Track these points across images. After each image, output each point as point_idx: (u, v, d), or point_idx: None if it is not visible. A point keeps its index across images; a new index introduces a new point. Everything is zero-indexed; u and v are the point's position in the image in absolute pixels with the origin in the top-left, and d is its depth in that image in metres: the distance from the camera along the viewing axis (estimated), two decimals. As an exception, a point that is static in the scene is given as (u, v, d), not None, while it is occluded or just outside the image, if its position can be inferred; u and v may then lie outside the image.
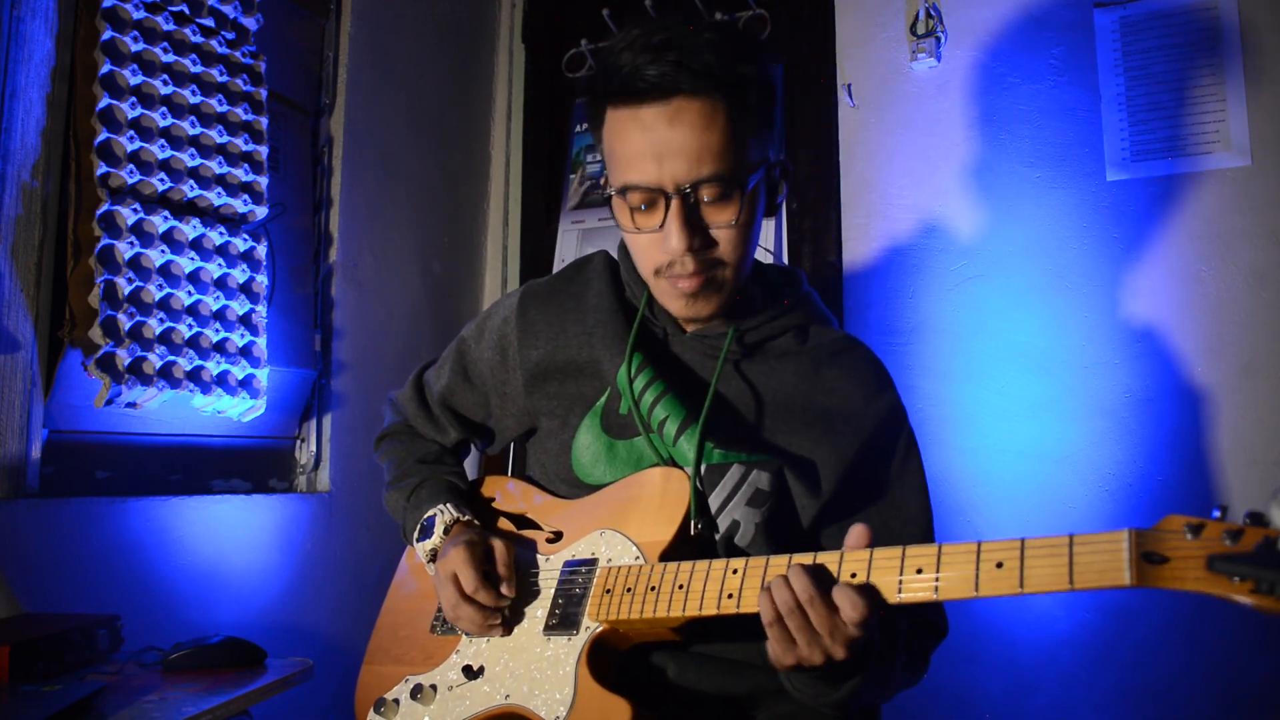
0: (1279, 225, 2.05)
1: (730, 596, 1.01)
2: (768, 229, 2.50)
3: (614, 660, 1.12)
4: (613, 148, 1.14)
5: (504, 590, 1.16)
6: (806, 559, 0.98)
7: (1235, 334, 2.06)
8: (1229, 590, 0.73)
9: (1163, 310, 2.13)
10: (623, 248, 1.32)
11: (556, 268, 2.61)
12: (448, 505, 1.27)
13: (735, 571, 1.02)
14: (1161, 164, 2.15)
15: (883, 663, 1.05)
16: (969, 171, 2.34)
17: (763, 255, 1.38)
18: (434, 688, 1.19)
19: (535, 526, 1.27)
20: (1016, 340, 2.24)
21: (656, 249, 1.14)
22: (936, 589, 0.89)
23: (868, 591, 0.92)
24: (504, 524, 1.31)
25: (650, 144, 1.09)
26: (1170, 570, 0.77)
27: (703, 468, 1.17)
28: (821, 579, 0.94)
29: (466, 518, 1.27)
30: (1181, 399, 2.09)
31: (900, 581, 0.92)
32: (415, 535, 1.28)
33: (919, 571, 0.91)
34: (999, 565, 0.86)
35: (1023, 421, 2.21)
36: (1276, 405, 2.01)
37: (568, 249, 2.69)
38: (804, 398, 1.22)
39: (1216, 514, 0.77)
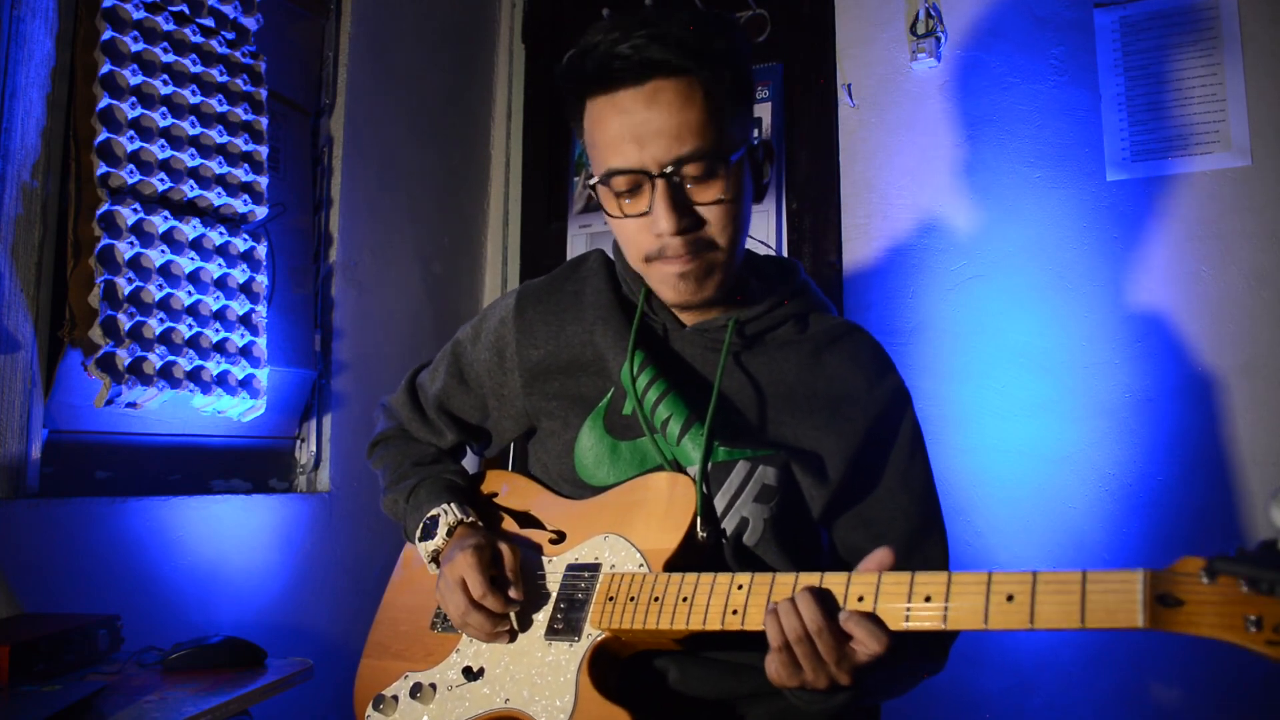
0: (1279, 225, 2.05)
1: (735, 613, 0.99)
2: (767, 228, 2.50)
3: (615, 667, 1.11)
4: (594, 137, 1.14)
5: (512, 594, 1.14)
6: (814, 579, 0.97)
7: (1235, 334, 2.06)
8: (1245, 640, 0.72)
9: (1163, 310, 2.13)
10: (617, 245, 1.31)
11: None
12: (450, 505, 1.26)
13: (740, 587, 1.00)
14: (1161, 164, 2.15)
15: (882, 668, 1.05)
16: (969, 171, 2.34)
17: (759, 248, 1.38)
18: (433, 687, 1.19)
19: (537, 525, 1.27)
20: (1016, 340, 2.24)
21: (645, 234, 1.13)
22: (945, 618, 0.88)
23: (880, 622, 0.91)
24: (506, 522, 1.30)
25: (629, 127, 1.08)
26: (1185, 614, 0.75)
27: (708, 467, 1.16)
28: (829, 606, 0.93)
29: (470, 519, 1.26)
30: (1181, 399, 2.09)
31: (908, 609, 0.90)
32: (417, 535, 1.27)
33: (927, 599, 0.89)
34: (1009, 598, 0.85)
35: (1023, 421, 2.21)
36: (1276, 405, 2.01)
37: (577, 253, 2.68)
38: (807, 386, 1.21)
39: (1235, 553, 0.76)
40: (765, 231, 2.49)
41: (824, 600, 0.93)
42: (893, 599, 0.91)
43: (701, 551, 1.12)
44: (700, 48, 1.08)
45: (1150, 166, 2.16)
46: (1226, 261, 2.08)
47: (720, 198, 1.11)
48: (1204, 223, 2.11)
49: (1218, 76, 2.11)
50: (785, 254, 2.50)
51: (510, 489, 1.35)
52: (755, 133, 2.52)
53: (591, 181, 1.16)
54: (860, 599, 0.93)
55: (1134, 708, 2.05)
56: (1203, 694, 2.00)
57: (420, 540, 1.26)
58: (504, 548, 1.17)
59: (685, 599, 1.03)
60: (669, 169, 1.09)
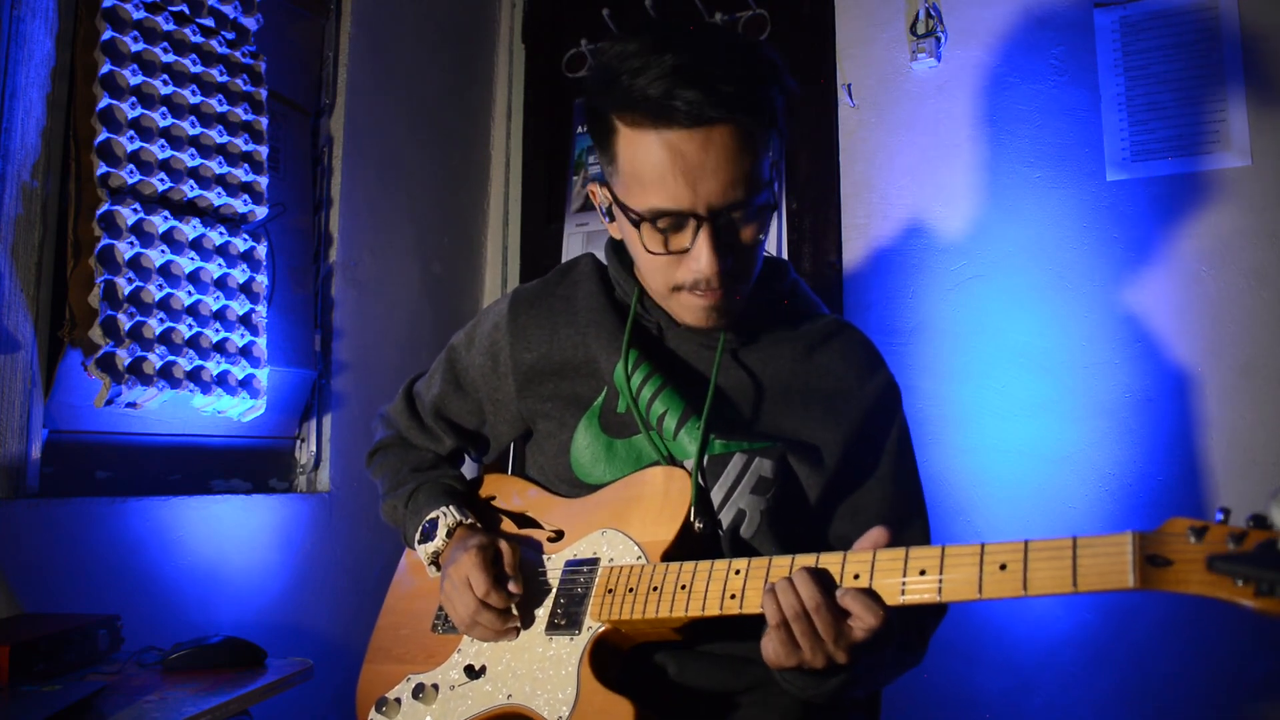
0: (1279, 225, 2.05)
1: (733, 597, 1.01)
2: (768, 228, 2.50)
3: (616, 660, 1.12)
4: (634, 167, 1.10)
5: (513, 589, 1.15)
6: (810, 560, 0.98)
7: (1235, 334, 2.06)
8: (1232, 594, 0.73)
9: (1163, 310, 2.13)
10: (609, 248, 1.32)
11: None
12: (449, 508, 1.27)
13: (738, 572, 1.02)
14: (1161, 164, 2.15)
15: (873, 652, 1.06)
16: (969, 171, 2.34)
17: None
18: (435, 687, 1.19)
19: (536, 526, 1.27)
20: (1016, 340, 2.24)
21: (677, 268, 1.14)
22: (940, 590, 0.89)
23: (876, 597, 0.93)
24: (505, 524, 1.31)
25: (682, 168, 1.07)
26: (1174, 573, 0.77)
27: (705, 460, 1.17)
28: (826, 584, 0.95)
29: (469, 520, 1.27)
30: (1181, 399, 2.09)
31: (903, 583, 0.92)
32: (416, 538, 1.28)
33: (922, 573, 0.91)
34: (1002, 567, 0.86)
35: (1023, 421, 2.21)
36: (1276, 405, 2.01)
37: (573, 252, 2.69)
38: (800, 381, 1.23)
39: (1220, 517, 0.77)
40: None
41: (821, 578, 0.95)
42: (888, 574, 0.93)
43: (698, 543, 1.14)
44: (754, 100, 1.07)
45: (1150, 166, 2.16)
46: (1226, 261, 2.08)
47: (757, 239, 1.14)
48: (1204, 223, 2.11)
49: (1218, 76, 2.11)
50: (785, 254, 2.50)
51: (508, 491, 1.35)
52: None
53: (633, 216, 1.12)
54: (856, 576, 0.95)
55: (1134, 708, 2.05)
56: (1203, 694, 2.00)
57: (420, 543, 1.27)
58: (504, 546, 1.19)
59: (684, 587, 1.04)
60: (718, 213, 1.09)
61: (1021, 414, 2.22)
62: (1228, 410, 2.05)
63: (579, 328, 1.28)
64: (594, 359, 1.26)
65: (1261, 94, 2.07)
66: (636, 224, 1.13)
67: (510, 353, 1.31)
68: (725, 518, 1.17)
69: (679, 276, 1.15)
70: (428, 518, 1.27)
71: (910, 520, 1.24)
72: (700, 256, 1.11)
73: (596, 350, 1.26)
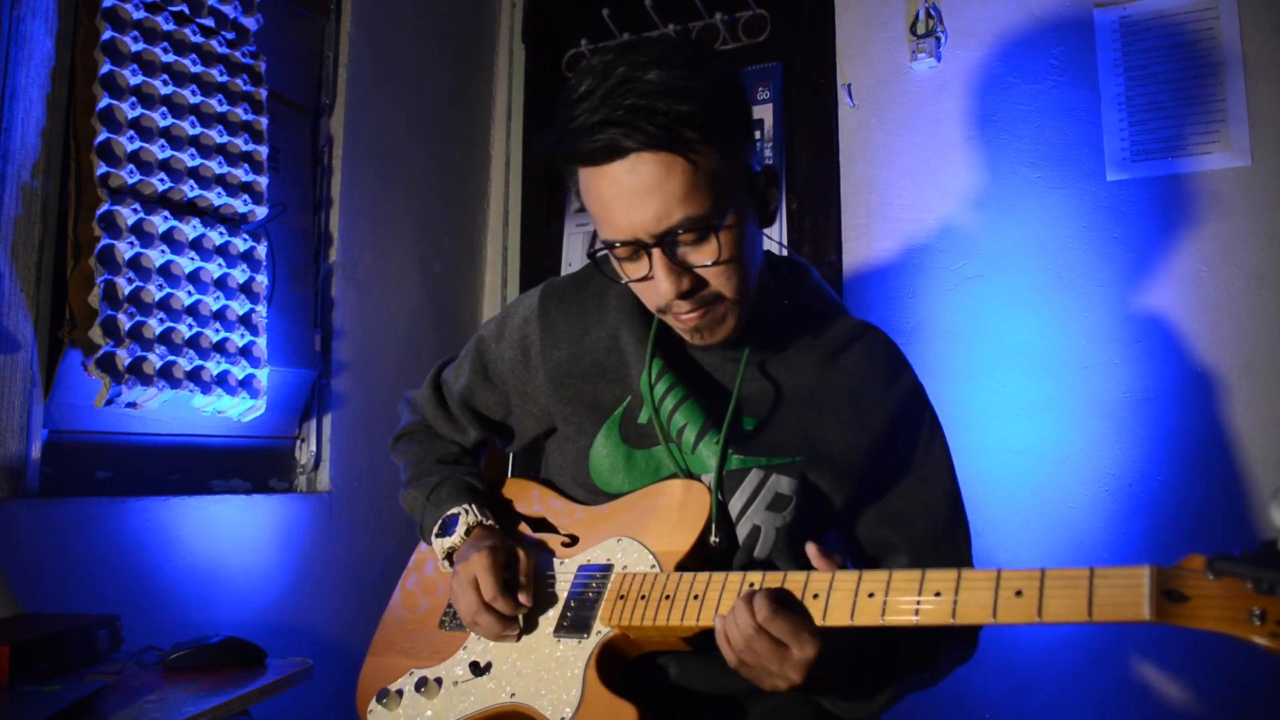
0: (1279, 225, 2.05)
1: None
2: (769, 228, 2.50)
3: (622, 666, 1.12)
4: (589, 205, 1.13)
5: (522, 599, 1.16)
6: (825, 579, 0.98)
7: (1235, 334, 2.06)
8: (1248, 632, 0.74)
9: (1162, 310, 2.13)
10: None
11: (563, 272, 2.60)
12: (471, 506, 1.28)
13: (752, 585, 1.01)
14: (1161, 164, 2.15)
15: (916, 659, 1.07)
16: (969, 171, 2.34)
17: (774, 248, 1.38)
18: (439, 681, 1.19)
19: (553, 530, 1.28)
20: (1016, 340, 2.24)
21: (652, 293, 1.14)
22: (954, 612, 0.89)
23: (807, 626, 0.94)
24: (523, 527, 1.32)
25: (618, 199, 1.07)
26: (1190, 609, 0.77)
27: (723, 474, 1.17)
28: (769, 607, 0.95)
29: (488, 521, 1.28)
30: (1181, 399, 2.09)
31: (918, 603, 0.91)
32: (434, 532, 1.28)
33: (937, 595, 0.90)
34: (1018, 594, 0.86)
35: (1023, 421, 2.21)
36: (1276, 405, 2.01)
37: (574, 252, 2.68)
38: (825, 388, 1.22)
39: (1238, 553, 0.77)
40: (768, 231, 2.49)
41: (758, 608, 0.95)
42: (903, 594, 0.93)
43: (714, 557, 1.13)
44: (671, 121, 1.03)
45: (1150, 166, 2.16)
46: (1226, 261, 2.08)
47: (715, 259, 1.09)
48: (1204, 223, 2.11)
49: (1218, 76, 2.11)
50: (785, 254, 2.50)
51: (528, 496, 1.36)
52: (761, 138, 2.53)
53: (599, 247, 1.14)
54: (871, 595, 0.94)
55: (1134, 708, 2.05)
56: (1203, 695, 2.00)
57: (437, 537, 1.28)
58: (520, 552, 1.19)
59: (696, 596, 1.04)
60: (661, 238, 1.07)
61: (1021, 414, 2.21)
62: (1228, 410, 2.05)
63: (609, 328, 1.27)
64: (625, 361, 1.26)
65: (1261, 94, 2.07)
66: (594, 255, 1.18)
67: (541, 348, 1.31)
68: (740, 533, 1.16)
69: (656, 301, 1.15)
70: (448, 513, 1.28)
71: (953, 526, 1.23)
72: (658, 282, 1.10)
73: (627, 352, 1.25)
